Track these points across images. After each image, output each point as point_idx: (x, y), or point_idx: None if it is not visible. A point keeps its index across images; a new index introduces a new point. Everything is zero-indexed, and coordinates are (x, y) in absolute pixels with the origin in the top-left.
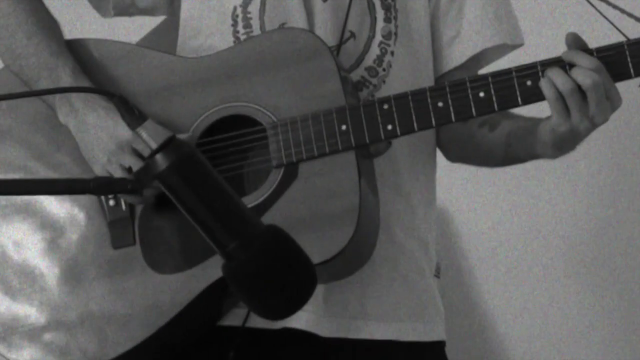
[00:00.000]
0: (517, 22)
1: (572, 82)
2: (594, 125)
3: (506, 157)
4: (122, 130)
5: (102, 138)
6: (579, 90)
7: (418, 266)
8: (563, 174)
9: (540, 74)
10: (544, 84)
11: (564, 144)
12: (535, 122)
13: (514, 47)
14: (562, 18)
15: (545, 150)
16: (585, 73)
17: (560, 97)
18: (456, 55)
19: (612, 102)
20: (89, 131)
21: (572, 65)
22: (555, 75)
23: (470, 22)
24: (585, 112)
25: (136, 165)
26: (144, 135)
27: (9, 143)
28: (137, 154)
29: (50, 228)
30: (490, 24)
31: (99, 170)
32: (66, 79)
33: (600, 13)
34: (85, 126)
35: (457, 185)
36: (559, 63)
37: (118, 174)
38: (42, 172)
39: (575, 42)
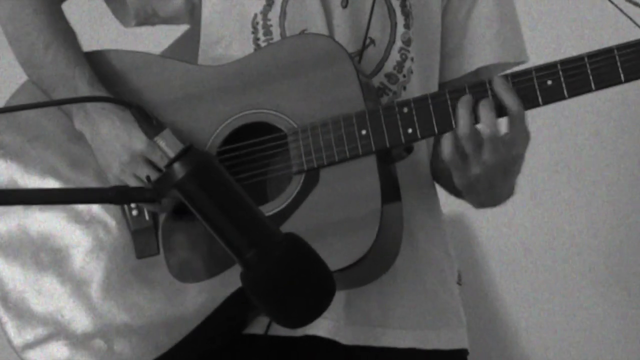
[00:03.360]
0: (522, 38)
1: (472, 128)
2: (488, 170)
3: (451, 191)
4: (136, 141)
5: (116, 148)
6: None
7: (441, 273)
8: (584, 179)
9: (560, 72)
10: (445, 141)
11: (468, 189)
12: None
13: (516, 64)
14: (580, 15)
15: (465, 198)
16: (490, 121)
17: (456, 153)
18: (455, 68)
19: (510, 149)
20: (104, 140)
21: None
22: (461, 114)
23: (472, 37)
24: (478, 158)
25: (150, 175)
26: (162, 144)
27: (41, 149)
28: (151, 165)
29: (79, 236)
30: (491, 41)
31: (113, 180)
32: (83, 89)
33: (621, 10)
34: (100, 135)
35: None
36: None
37: (132, 184)
38: (75, 179)
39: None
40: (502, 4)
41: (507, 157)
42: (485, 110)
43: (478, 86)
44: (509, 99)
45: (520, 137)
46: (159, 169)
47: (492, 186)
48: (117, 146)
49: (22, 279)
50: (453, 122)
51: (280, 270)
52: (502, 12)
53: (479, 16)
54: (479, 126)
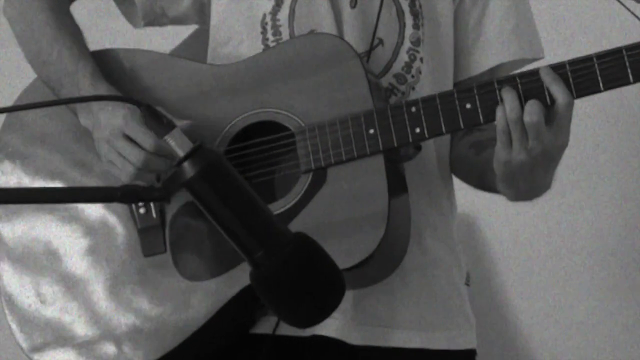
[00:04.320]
0: (538, 35)
1: (520, 112)
2: (532, 158)
3: (480, 184)
4: (114, 118)
5: (103, 129)
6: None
7: (448, 274)
8: (592, 179)
9: (568, 73)
10: (499, 112)
11: (509, 176)
12: None
13: (533, 60)
14: (588, 15)
15: (498, 183)
16: (533, 110)
17: (507, 129)
18: (472, 65)
19: (556, 138)
20: (100, 129)
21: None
22: (508, 100)
23: (488, 34)
24: (524, 144)
25: (128, 150)
26: (172, 143)
27: (46, 149)
28: (130, 140)
29: (84, 237)
30: (508, 38)
31: (104, 162)
32: (85, 83)
33: (630, 11)
34: (98, 125)
35: (484, 192)
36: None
37: (116, 161)
38: (78, 179)
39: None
40: (517, 0)
41: (553, 146)
42: (530, 102)
43: (526, 76)
44: (557, 89)
45: (566, 126)
46: (137, 144)
47: (533, 175)
48: (103, 126)
49: (29, 282)
50: (460, 121)
51: (290, 270)
52: (517, 8)
53: (495, 13)
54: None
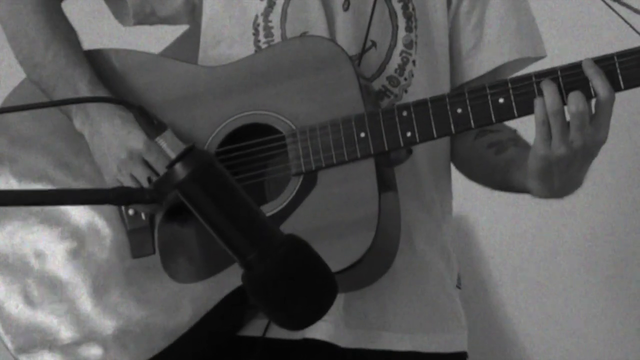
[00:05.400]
0: (539, 34)
1: (561, 104)
2: (572, 152)
3: (502, 183)
4: (134, 141)
5: (114, 147)
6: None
7: (439, 277)
8: (589, 181)
9: (560, 79)
10: (537, 104)
11: (545, 172)
12: None
13: (536, 59)
14: (582, 21)
15: (530, 180)
16: (577, 99)
17: (547, 121)
18: (474, 67)
19: (596, 133)
20: (102, 140)
21: (581, 78)
22: (548, 92)
23: (490, 35)
24: (565, 137)
25: (145, 176)
26: (164, 145)
27: (33, 152)
28: (148, 165)
29: (71, 238)
30: (510, 37)
31: (109, 179)
32: (83, 89)
33: (620, 16)
34: (99, 135)
35: (477, 194)
36: (575, 69)
37: (128, 183)
38: (65, 181)
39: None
40: (517, 1)
41: (592, 140)
42: (574, 92)
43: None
44: (599, 82)
45: (606, 122)
46: (154, 170)
47: (570, 170)
48: (115, 145)
49: (16, 284)
50: (452, 126)
51: (283, 271)
52: (517, 8)
53: (495, 14)
54: (566, 106)
